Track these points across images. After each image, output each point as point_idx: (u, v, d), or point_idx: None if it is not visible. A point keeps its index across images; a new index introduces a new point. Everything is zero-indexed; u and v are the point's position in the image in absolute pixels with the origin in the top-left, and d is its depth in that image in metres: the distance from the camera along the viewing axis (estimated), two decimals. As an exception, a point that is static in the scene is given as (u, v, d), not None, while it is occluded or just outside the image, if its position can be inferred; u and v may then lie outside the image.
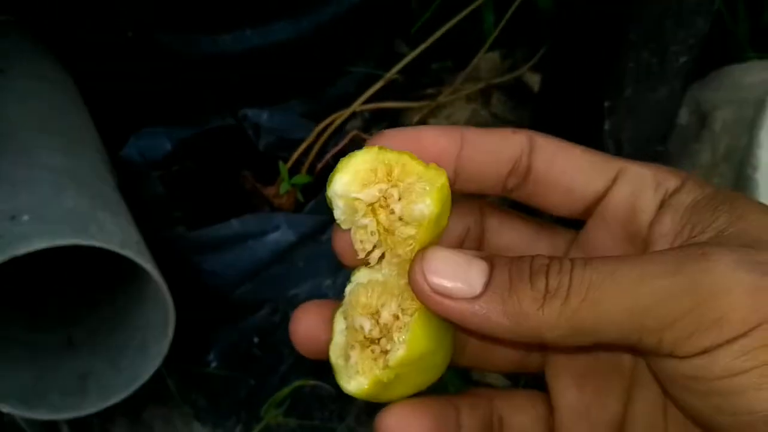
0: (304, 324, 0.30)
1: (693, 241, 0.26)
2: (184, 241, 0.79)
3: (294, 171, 0.86)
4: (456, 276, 0.25)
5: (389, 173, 0.27)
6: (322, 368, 0.71)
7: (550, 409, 0.31)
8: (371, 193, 0.27)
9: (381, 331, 0.27)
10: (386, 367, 0.27)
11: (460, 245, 0.32)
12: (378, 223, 0.28)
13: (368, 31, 0.95)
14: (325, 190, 0.28)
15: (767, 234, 0.25)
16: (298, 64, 0.88)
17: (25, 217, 0.60)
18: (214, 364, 0.83)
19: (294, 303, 0.82)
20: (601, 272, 0.24)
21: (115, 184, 0.73)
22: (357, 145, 0.28)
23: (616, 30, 0.71)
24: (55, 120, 0.75)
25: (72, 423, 0.78)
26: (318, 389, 0.83)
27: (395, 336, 0.27)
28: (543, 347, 0.32)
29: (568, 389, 0.30)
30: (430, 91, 1.01)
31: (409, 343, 0.26)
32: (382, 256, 0.28)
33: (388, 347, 0.27)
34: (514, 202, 0.32)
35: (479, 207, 0.33)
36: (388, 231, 0.27)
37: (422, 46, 0.88)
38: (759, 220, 0.25)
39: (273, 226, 0.80)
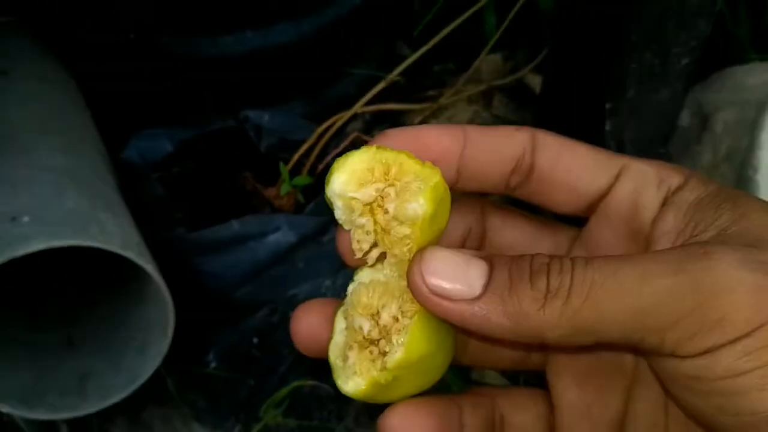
0: (306, 322, 0.30)
1: (695, 240, 0.26)
2: (185, 242, 0.79)
3: (295, 172, 0.86)
4: (455, 277, 0.25)
5: (386, 172, 0.27)
6: (321, 369, 0.71)
7: (551, 407, 0.31)
8: (368, 193, 0.27)
9: (380, 333, 0.27)
10: (384, 369, 0.26)
11: (461, 245, 0.32)
12: (375, 222, 0.27)
13: (369, 33, 0.95)
14: (325, 191, 0.28)
15: None
16: (299, 65, 0.88)
17: (26, 219, 0.60)
18: (213, 365, 0.83)
19: (293, 304, 0.82)
20: (603, 271, 0.24)
21: (116, 185, 0.73)
22: (358, 146, 0.28)
23: (617, 32, 0.70)
24: (55, 120, 0.75)
25: (71, 423, 0.77)
26: (317, 389, 0.82)
27: (394, 338, 0.26)
28: (544, 347, 0.31)
29: (570, 388, 0.30)
30: (431, 92, 1.01)
31: (408, 345, 0.26)
32: (384, 256, 0.28)
33: (387, 349, 0.27)
34: (515, 200, 0.31)
35: (481, 205, 0.32)
36: (385, 231, 0.27)
37: (424, 48, 0.88)
38: (762, 219, 0.25)
39: (273, 227, 0.80)
